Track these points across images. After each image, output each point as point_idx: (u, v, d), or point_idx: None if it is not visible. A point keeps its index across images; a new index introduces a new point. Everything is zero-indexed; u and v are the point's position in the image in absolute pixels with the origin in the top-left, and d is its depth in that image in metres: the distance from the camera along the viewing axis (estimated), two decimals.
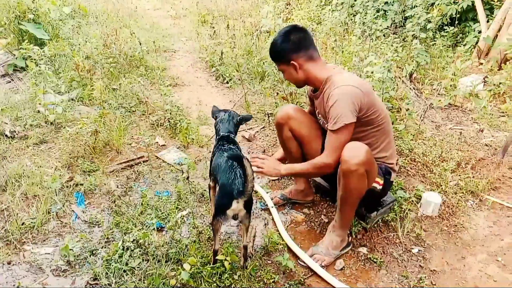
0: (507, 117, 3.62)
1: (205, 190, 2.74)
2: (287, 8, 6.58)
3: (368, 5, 5.58)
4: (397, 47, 4.27)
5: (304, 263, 2.17)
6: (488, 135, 3.39)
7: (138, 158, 3.16)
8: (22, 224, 2.41)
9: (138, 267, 2.10)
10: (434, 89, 4.18)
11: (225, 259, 2.01)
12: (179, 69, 5.09)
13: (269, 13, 5.16)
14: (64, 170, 2.93)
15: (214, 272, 2.04)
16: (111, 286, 2.02)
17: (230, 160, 1.99)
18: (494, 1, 4.73)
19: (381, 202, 2.44)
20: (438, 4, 4.95)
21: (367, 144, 2.06)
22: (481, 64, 4.53)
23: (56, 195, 2.65)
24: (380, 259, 2.23)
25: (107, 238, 2.35)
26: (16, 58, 4.54)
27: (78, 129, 3.16)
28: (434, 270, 2.18)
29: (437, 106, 3.88)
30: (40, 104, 3.58)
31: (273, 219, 2.52)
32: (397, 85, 3.70)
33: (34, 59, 3.75)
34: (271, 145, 3.43)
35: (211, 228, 2.15)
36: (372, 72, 3.12)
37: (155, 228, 2.38)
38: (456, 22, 5.08)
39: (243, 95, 4.10)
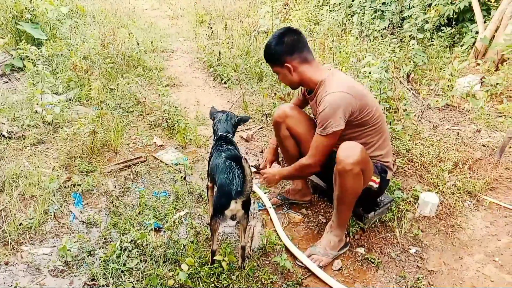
0: (504, 118, 3.63)
1: (203, 191, 2.74)
2: (285, 9, 6.59)
3: (365, 6, 5.59)
4: (394, 48, 4.28)
5: (302, 263, 2.17)
6: (485, 136, 3.41)
7: (136, 158, 3.16)
8: (20, 224, 2.40)
9: (136, 268, 2.10)
10: (432, 90, 4.19)
11: (223, 260, 2.02)
12: (177, 69, 5.08)
13: (267, 14, 5.17)
14: (61, 171, 2.93)
15: (212, 272, 2.04)
16: (108, 286, 2.02)
17: (228, 160, 1.99)
18: (491, 2, 4.75)
19: (378, 202, 2.45)
20: (435, 4, 4.97)
21: (362, 143, 2.07)
22: (478, 64, 4.55)
23: (54, 195, 2.64)
24: (378, 259, 2.24)
25: (105, 238, 2.35)
26: (14, 58, 4.53)
27: (75, 130, 3.16)
28: (431, 270, 2.18)
29: (434, 107, 3.88)
30: (37, 104, 3.57)
31: (271, 219, 2.52)
32: (394, 85, 3.71)
33: (32, 59, 3.74)
34: None
35: (209, 228, 2.16)
36: (369, 73, 3.12)
37: (153, 229, 2.38)
38: (453, 22, 5.11)
39: (241, 96, 4.10)
